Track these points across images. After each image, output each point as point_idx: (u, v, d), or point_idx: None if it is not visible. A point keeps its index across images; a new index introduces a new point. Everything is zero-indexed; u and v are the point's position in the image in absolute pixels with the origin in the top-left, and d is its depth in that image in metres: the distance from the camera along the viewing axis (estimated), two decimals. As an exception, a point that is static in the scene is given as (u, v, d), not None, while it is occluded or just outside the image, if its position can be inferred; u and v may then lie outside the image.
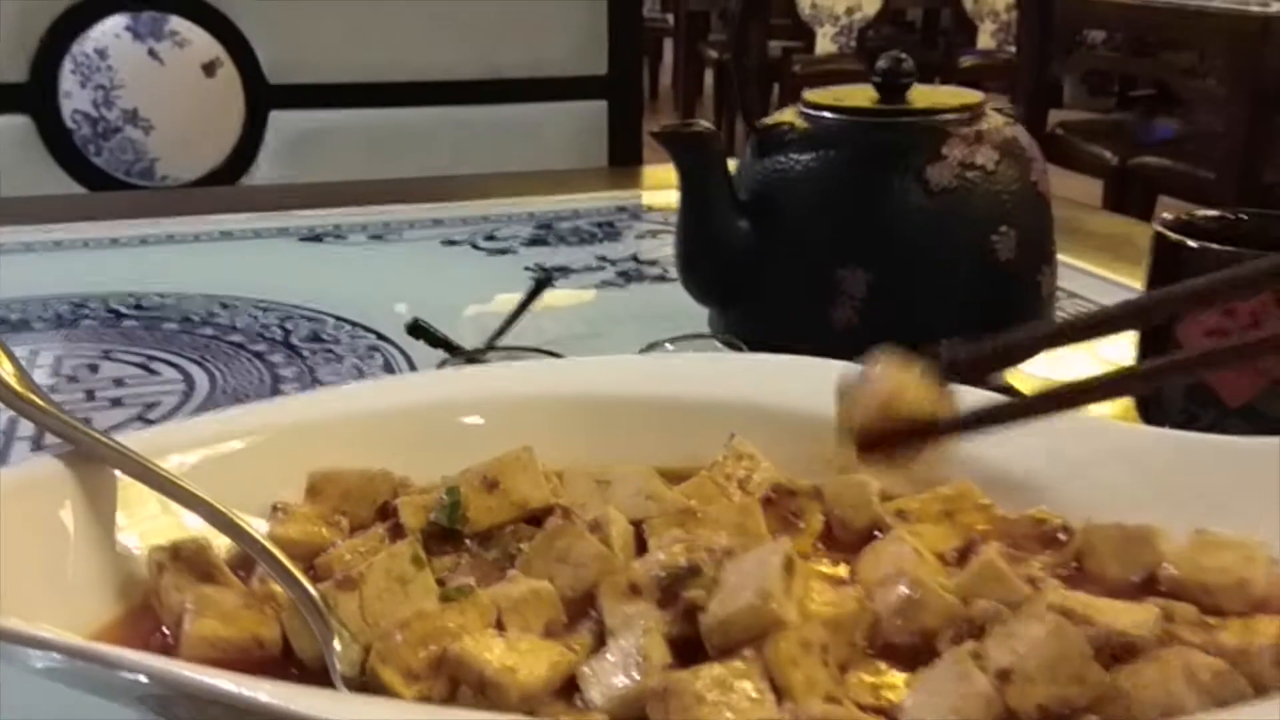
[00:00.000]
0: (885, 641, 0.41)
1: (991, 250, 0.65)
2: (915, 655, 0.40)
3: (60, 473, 0.44)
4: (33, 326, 0.84)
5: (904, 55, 0.68)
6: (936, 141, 0.66)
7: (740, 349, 0.66)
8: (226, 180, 1.64)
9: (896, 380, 0.39)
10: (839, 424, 0.40)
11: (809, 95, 0.70)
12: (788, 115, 0.70)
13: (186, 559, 0.43)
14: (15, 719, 0.43)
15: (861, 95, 0.69)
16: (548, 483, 0.48)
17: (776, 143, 0.69)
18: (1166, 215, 0.63)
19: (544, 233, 1.08)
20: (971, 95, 0.69)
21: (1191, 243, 0.58)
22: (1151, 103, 4.01)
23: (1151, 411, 0.63)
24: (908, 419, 0.38)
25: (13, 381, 0.46)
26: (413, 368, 0.76)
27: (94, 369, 0.77)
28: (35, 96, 1.55)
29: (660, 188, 1.33)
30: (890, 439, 0.39)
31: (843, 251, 0.66)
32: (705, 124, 0.67)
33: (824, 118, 0.68)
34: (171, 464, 0.46)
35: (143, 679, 0.33)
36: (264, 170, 1.65)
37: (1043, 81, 0.70)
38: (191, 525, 0.45)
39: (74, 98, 1.58)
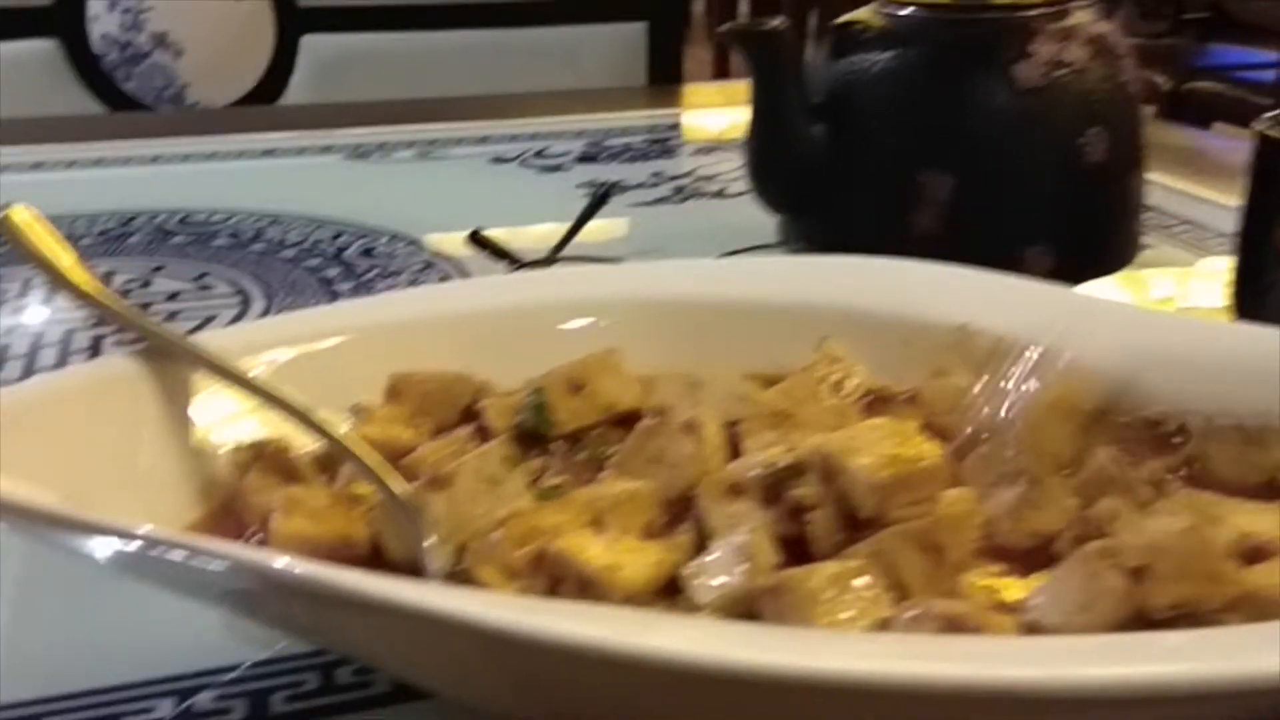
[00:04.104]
0: (997, 544, 0.39)
1: (1081, 152, 0.63)
2: (1029, 558, 0.39)
3: (135, 370, 0.42)
4: (79, 242, 0.82)
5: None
6: (1023, 38, 0.63)
7: (813, 259, 0.64)
8: (259, 105, 1.62)
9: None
10: None
11: (887, -9, 0.67)
12: (864, 13, 0.67)
13: (270, 459, 0.41)
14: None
15: (942, -10, 0.66)
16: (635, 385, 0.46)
17: (852, 42, 0.66)
18: (1265, 115, 0.60)
19: (595, 150, 1.05)
20: (1058, -11, 0.66)
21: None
22: (1205, 26, 3.88)
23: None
24: None
25: (75, 274, 0.43)
26: (472, 280, 0.74)
27: (146, 284, 0.75)
28: (63, 19, 1.53)
29: (703, 107, 1.30)
30: None
31: (924, 155, 0.63)
32: (780, 20, 0.64)
33: (903, 14, 0.65)
34: (246, 364, 0.44)
35: (242, 572, 0.32)
36: (296, 95, 1.63)
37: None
38: (269, 428, 0.43)
39: (101, 21, 1.54)
